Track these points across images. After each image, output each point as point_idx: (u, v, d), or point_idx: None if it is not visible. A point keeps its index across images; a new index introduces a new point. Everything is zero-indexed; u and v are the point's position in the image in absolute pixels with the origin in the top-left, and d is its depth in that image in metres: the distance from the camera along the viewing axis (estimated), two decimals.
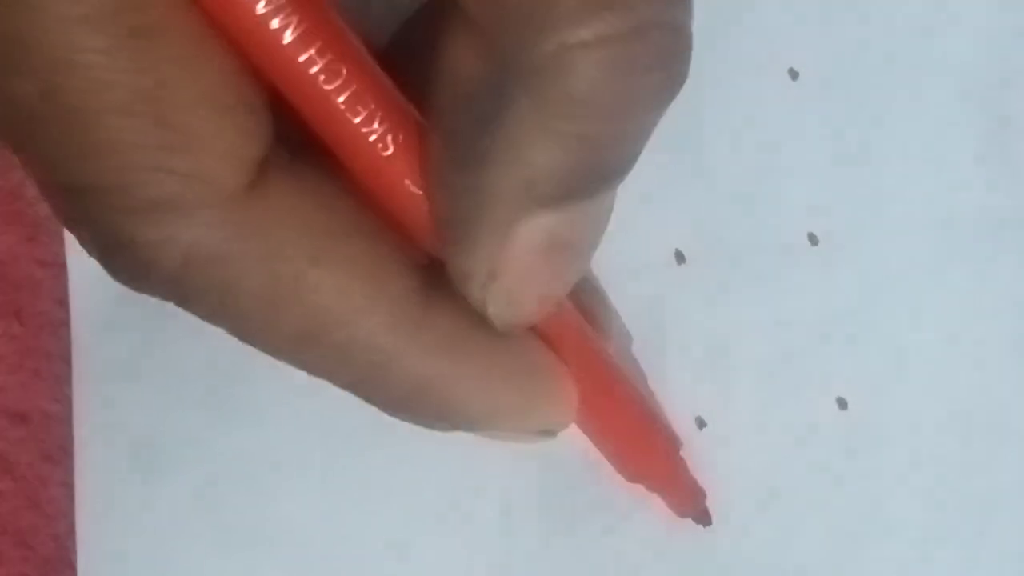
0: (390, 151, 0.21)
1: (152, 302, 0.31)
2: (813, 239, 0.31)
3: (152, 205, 0.20)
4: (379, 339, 0.21)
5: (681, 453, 0.29)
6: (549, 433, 0.25)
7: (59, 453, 0.30)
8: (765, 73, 0.31)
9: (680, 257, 0.31)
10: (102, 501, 0.30)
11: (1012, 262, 0.31)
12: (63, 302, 0.30)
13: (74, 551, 0.29)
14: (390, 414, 0.23)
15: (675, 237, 0.31)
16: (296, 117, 0.21)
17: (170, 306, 0.30)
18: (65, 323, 0.30)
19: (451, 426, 0.24)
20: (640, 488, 0.29)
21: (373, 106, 0.21)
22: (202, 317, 0.22)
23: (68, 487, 0.30)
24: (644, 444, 0.28)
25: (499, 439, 0.25)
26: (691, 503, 0.30)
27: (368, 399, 0.23)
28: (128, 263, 0.21)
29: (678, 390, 0.30)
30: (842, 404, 0.30)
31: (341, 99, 0.20)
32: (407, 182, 0.21)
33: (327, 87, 0.20)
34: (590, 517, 0.30)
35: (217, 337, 0.30)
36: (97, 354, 0.30)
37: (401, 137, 0.21)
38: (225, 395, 0.30)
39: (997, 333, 0.30)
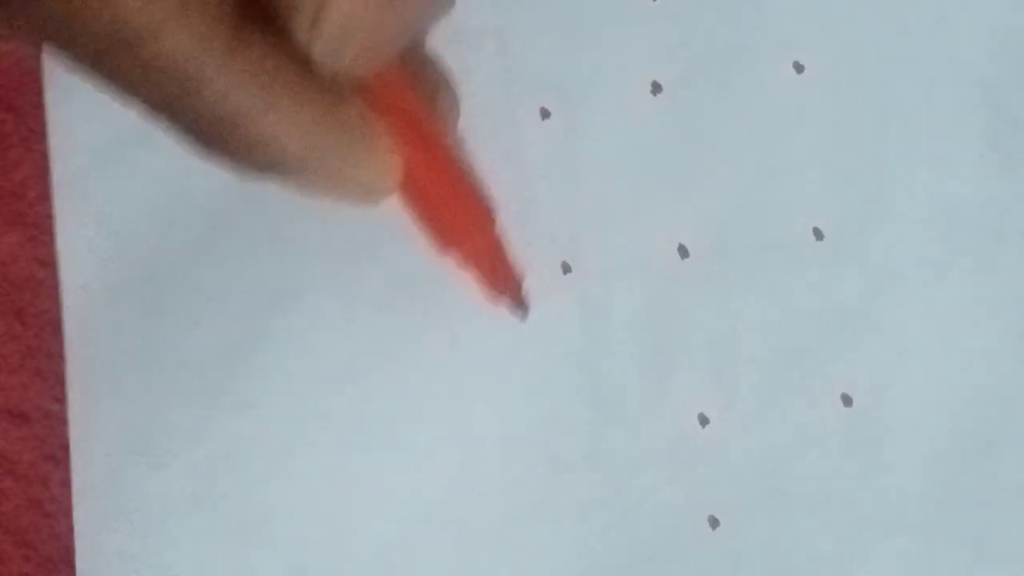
0: None
1: (151, 298, 0.31)
2: (818, 234, 0.31)
3: None
4: (187, 56, 0.21)
5: (498, 231, 0.28)
6: (371, 196, 0.25)
7: (60, 452, 0.30)
8: (770, 67, 0.31)
9: (683, 252, 0.31)
10: (100, 499, 0.30)
11: (1016, 257, 0.30)
12: None
13: (75, 549, 0.30)
14: (207, 150, 0.23)
15: (678, 232, 0.31)
16: None
17: (169, 300, 0.31)
18: None
19: (266, 166, 0.23)
20: (451, 261, 0.28)
21: None
22: (4, 24, 0.21)
23: (69, 487, 0.30)
24: (459, 212, 0.27)
25: (320, 197, 0.24)
26: (505, 284, 0.29)
27: (181, 126, 0.23)
28: None
29: (680, 386, 0.30)
30: (847, 401, 0.30)
31: None
32: None
33: None
34: (591, 516, 0.30)
35: (217, 332, 0.31)
36: (91, 351, 0.30)
37: None
38: (225, 391, 0.30)
39: (1002, 329, 0.30)
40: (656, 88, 0.31)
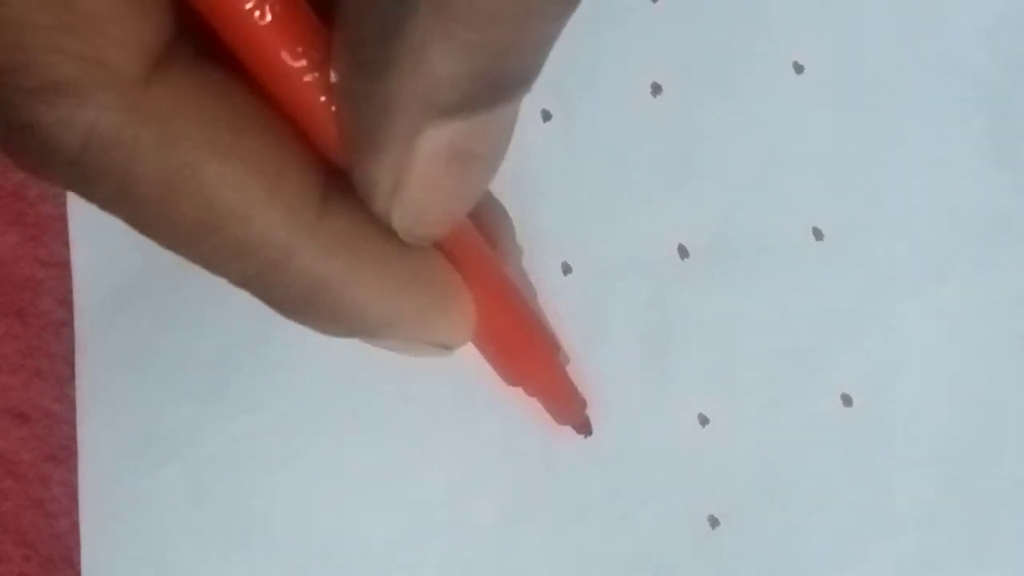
0: (267, 19, 0.21)
1: (155, 299, 0.31)
2: (818, 234, 0.31)
3: (51, 86, 0.20)
4: (275, 235, 0.21)
5: (563, 361, 0.29)
6: (446, 348, 0.25)
7: (61, 452, 0.30)
8: (770, 67, 0.31)
9: (683, 252, 0.31)
10: (105, 498, 0.30)
11: (1016, 257, 0.30)
12: (65, 302, 0.30)
13: (76, 550, 0.29)
14: (288, 317, 0.23)
15: (678, 232, 0.31)
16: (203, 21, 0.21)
17: (173, 302, 0.31)
18: (67, 323, 0.30)
19: (347, 331, 0.24)
20: (520, 392, 0.29)
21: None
22: (101, 205, 0.21)
23: (70, 486, 0.30)
24: (527, 350, 0.28)
25: (394, 350, 0.25)
26: (571, 411, 0.30)
27: (265, 299, 0.23)
28: (28, 145, 0.21)
29: (680, 387, 0.30)
30: (847, 401, 0.30)
31: None
32: (318, 93, 0.21)
33: None
34: (591, 516, 0.30)
35: (220, 333, 0.31)
36: (100, 351, 0.30)
37: (279, 8, 0.21)
38: (228, 392, 0.30)
39: (1001, 329, 0.30)
40: (656, 89, 0.31)
